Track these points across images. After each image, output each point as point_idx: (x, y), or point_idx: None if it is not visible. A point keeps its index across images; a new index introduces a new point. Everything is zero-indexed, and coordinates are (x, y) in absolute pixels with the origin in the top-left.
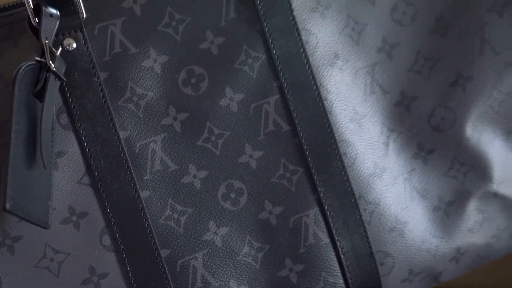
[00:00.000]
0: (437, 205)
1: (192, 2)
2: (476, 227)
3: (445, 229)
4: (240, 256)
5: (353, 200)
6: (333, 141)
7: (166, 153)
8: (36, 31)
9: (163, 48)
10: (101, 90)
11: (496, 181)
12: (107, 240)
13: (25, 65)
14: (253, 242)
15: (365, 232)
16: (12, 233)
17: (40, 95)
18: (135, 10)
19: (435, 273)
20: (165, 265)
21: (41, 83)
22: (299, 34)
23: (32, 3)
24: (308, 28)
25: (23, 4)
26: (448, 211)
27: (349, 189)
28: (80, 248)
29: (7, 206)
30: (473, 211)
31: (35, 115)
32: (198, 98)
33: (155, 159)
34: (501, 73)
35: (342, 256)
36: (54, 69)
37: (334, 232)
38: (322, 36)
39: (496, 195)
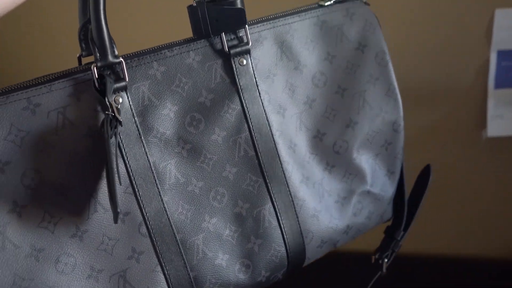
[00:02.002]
0: (337, 199)
1: (193, 71)
2: (358, 212)
3: (341, 214)
4: (224, 236)
5: (290, 198)
6: (279, 162)
7: (178, 171)
8: (98, 91)
9: (175, 101)
10: (137, 130)
11: (369, 184)
12: (143, 229)
13: (108, 118)
14: (231, 227)
15: (297, 218)
16: (82, 227)
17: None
18: (157, 75)
19: (334, 242)
20: (180, 244)
21: (112, 131)
22: (259, 93)
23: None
24: (264, 89)
25: (84, 70)
26: (343, 202)
27: (288, 192)
28: (125, 236)
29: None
30: (356, 203)
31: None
32: (197, 134)
33: (171, 175)
34: (373, 120)
35: (284, 233)
36: (120, 119)
37: (280, 218)
38: (271, 93)
39: (369, 193)
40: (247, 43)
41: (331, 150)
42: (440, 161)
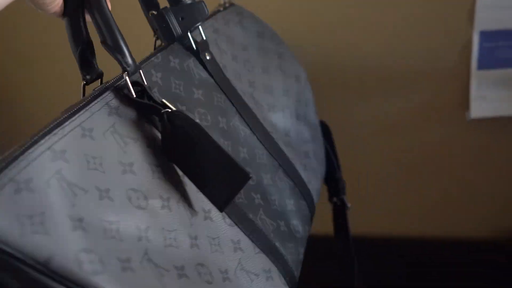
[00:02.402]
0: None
1: (178, 72)
2: None
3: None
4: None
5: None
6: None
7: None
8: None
9: (181, 102)
10: None
11: None
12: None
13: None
14: (223, 141)
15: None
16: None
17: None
18: (158, 82)
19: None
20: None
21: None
22: (229, 81)
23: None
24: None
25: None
26: None
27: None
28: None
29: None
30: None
31: None
32: (210, 126)
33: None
34: None
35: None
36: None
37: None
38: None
39: None
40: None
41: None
42: (424, 142)
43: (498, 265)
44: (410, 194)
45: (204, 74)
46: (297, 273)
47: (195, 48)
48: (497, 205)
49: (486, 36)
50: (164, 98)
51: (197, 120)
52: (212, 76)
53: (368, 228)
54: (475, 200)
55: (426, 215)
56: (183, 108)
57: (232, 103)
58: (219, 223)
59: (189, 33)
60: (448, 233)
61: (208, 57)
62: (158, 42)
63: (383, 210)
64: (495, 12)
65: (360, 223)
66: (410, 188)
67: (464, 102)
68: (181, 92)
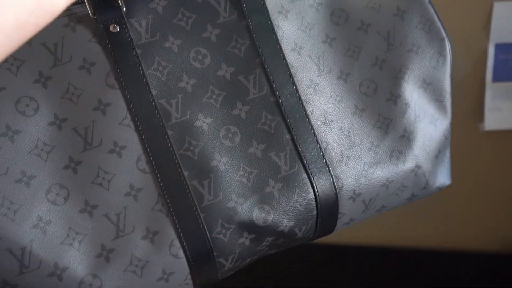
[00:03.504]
0: (370, 147)
1: (197, 5)
2: (397, 161)
3: (376, 163)
4: (237, 177)
5: (315, 138)
6: (299, 100)
7: (183, 106)
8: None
9: (177, 35)
10: (137, 60)
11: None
12: (143, 164)
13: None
14: (246, 168)
15: (325, 159)
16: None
17: None
18: (158, 9)
19: (371, 196)
20: (187, 181)
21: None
22: (272, 28)
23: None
24: (277, 24)
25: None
26: (377, 152)
27: (312, 132)
28: (123, 173)
29: None
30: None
31: None
32: (203, 70)
33: (176, 110)
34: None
35: (311, 175)
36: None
37: (304, 159)
38: (286, 30)
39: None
40: None
41: (357, 91)
42: None
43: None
44: (421, 204)
45: (234, 15)
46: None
47: None
48: (510, 217)
49: (501, 48)
50: (156, 29)
51: (190, 60)
52: (246, 17)
53: (380, 239)
54: (487, 212)
55: (437, 227)
56: (177, 42)
57: (260, 55)
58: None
59: None
60: (457, 245)
61: None
62: None
63: (392, 221)
64: (511, 25)
65: (371, 233)
66: (422, 199)
67: (479, 114)
68: (186, 26)
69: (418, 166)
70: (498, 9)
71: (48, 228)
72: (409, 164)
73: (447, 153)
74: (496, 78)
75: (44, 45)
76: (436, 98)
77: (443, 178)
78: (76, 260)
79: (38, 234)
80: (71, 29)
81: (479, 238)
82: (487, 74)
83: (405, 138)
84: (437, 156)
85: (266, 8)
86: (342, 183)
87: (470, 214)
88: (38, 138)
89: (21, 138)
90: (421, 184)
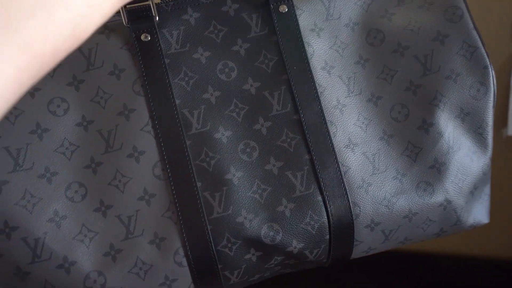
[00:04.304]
0: (395, 175)
1: (229, 18)
2: (423, 193)
3: (400, 193)
4: (250, 193)
5: (335, 161)
6: (323, 120)
7: (205, 117)
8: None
9: (207, 47)
10: (165, 69)
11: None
12: (158, 171)
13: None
14: (260, 184)
15: (343, 184)
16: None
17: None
18: (190, 21)
19: (392, 227)
20: (199, 192)
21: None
22: (302, 45)
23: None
24: (308, 41)
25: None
26: (403, 181)
27: (333, 154)
28: (139, 177)
29: None
30: (421, 182)
31: None
32: (228, 83)
33: (197, 121)
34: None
35: (327, 200)
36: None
37: (321, 182)
38: (317, 48)
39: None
40: None
41: (387, 116)
42: None
43: None
44: None
45: (265, 31)
46: None
47: None
48: None
49: None
50: (187, 40)
51: (217, 72)
52: (277, 33)
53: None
54: (508, 218)
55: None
56: (205, 54)
57: (287, 72)
58: None
59: None
60: (476, 252)
61: (282, 10)
62: None
63: None
64: None
65: None
66: None
67: (502, 119)
68: (217, 39)
69: (448, 201)
70: None
71: (63, 222)
72: (437, 197)
73: (486, 190)
74: None
75: (79, 50)
76: (475, 130)
77: (479, 215)
78: (85, 256)
79: (53, 228)
80: (106, 36)
81: (504, 245)
82: None
83: (435, 169)
84: (472, 192)
85: (297, 25)
86: (360, 210)
87: (493, 221)
88: (65, 137)
89: (49, 136)
90: (452, 220)
